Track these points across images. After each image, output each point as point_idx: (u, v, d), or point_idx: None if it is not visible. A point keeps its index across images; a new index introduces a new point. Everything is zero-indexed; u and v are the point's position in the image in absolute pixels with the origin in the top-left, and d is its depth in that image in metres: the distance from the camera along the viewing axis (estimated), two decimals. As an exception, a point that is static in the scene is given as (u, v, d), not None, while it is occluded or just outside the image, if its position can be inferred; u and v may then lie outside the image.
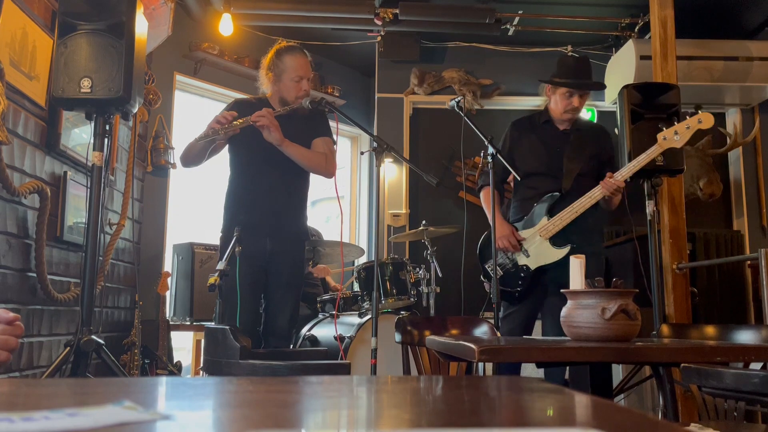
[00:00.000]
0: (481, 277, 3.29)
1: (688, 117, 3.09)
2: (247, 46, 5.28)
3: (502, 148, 3.24)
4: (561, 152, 3.14)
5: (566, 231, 3.05)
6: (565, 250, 3.02)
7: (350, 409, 0.70)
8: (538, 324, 3.40)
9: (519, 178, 3.07)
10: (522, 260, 3.13)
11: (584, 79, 3.16)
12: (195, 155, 2.99)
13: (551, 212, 3.08)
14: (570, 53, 5.53)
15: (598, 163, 3.12)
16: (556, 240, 3.06)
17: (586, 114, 5.60)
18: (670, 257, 3.90)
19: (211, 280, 2.42)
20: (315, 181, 3.21)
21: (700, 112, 3.15)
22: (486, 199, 3.21)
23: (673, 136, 3.04)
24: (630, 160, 3.44)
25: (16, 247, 2.77)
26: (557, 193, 3.08)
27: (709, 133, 5.44)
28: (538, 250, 3.09)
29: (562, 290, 1.72)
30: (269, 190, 3.00)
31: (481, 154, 3.10)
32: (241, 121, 2.87)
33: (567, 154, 3.14)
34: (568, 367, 3.42)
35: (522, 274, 3.11)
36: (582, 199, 3.04)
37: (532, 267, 3.09)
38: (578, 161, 3.13)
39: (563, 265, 2.94)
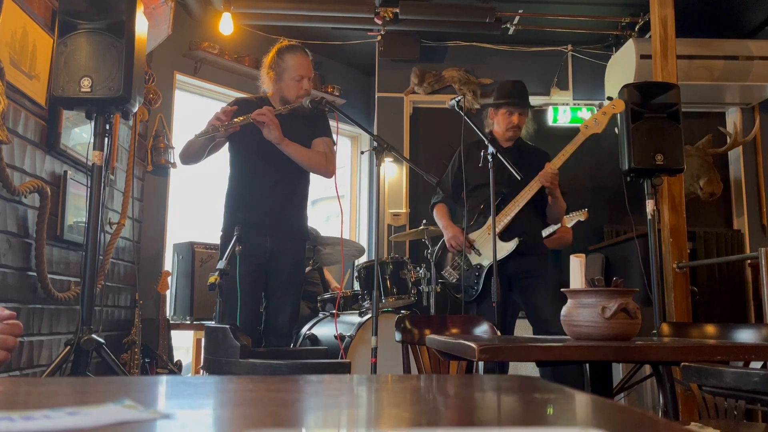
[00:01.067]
0: (438, 281, 3.56)
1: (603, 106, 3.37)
2: (248, 46, 5.28)
3: (451, 166, 3.54)
4: (504, 165, 3.25)
5: (512, 227, 3.25)
6: (514, 243, 3.21)
7: (350, 408, 0.70)
8: (520, 323, 3.49)
9: (519, 177, 3.11)
10: (475, 259, 3.31)
11: (521, 98, 3.44)
12: (194, 153, 2.98)
13: (497, 211, 3.25)
14: (570, 52, 5.53)
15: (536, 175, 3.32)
16: (504, 235, 3.25)
17: (587, 114, 5.60)
18: (671, 256, 3.91)
19: (212, 279, 2.42)
20: (315, 180, 3.21)
21: (613, 99, 3.44)
22: (438, 212, 3.54)
23: (594, 123, 3.30)
24: (630, 159, 3.45)
25: (16, 246, 2.77)
26: (499, 195, 3.26)
27: (709, 131, 5.45)
28: (488, 247, 3.17)
29: (562, 290, 1.72)
30: (269, 189, 3.00)
31: (481, 154, 3.12)
32: (241, 118, 2.87)
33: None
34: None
35: (477, 273, 3.29)
36: (522, 192, 3.25)
37: (485, 264, 3.25)
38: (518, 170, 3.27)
39: (517, 256, 3.22)
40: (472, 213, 3.41)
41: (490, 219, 3.17)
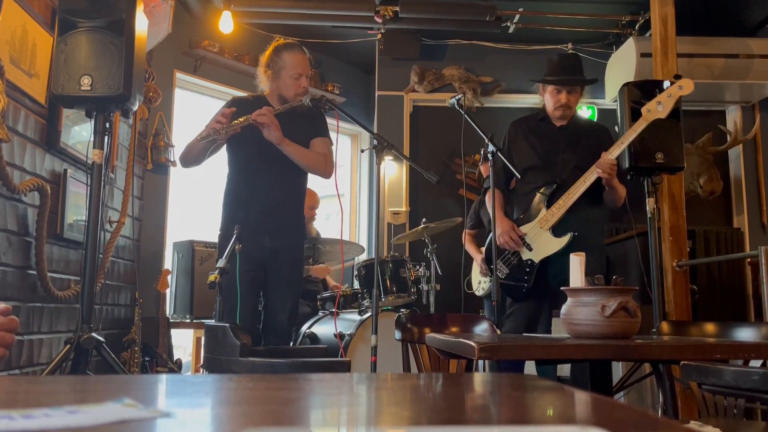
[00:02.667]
0: (487, 277, 3.28)
1: (666, 88, 3.06)
2: (247, 44, 5.28)
3: (503, 145, 3.25)
4: (557, 147, 3.14)
5: (566, 220, 3.02)
6: (566, 238, 2.98)
7: (350, 407, 0.70)
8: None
9: (519, 176, 3.07)
10: (526, 255, 3.09)
11: (571, 75, 3.15)
12: (195, 156, 2.98)
13: (549, 203, 3.06)
14: (570, 50, 5.53)
15: (594, 158, 3.06)
16: (557, 230, 3.03)
17: (586, 112, 5.60)
18: (670, 255, 3.91)
19: (211, 278, 2.42)
20: (314, 178, 3.21)
21: (679, 80, 3.08)
22: (490, 200, 3.18)
23: (656, 107, 2.98)
24: (630, 158, 3.44)
25: (16, 245, 2.77)
26: (554, 184, 3.07)
27: (709, 129, 5.45)
28: (539, 242, 3.06)
29: (561, 288, 1.72)
30: (268, 188, 3.00)
31: (481, 153, 3.09)
32: (241, 120, 2.87)
33: (562, 147, 3.14)
34: (557, 365, 3.43)
35: (528, 269, 3.07)
36: (577, 183, 3.00)
37: (536, 260, 3.06)
38: (574, 153, 3.11)
39: (566, 255, 2.96)
40: (523, 202, 3.17)
41: (543, 211, 3.04)
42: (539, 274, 3.05)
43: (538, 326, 3.09)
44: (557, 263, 2.96)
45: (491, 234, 3.08)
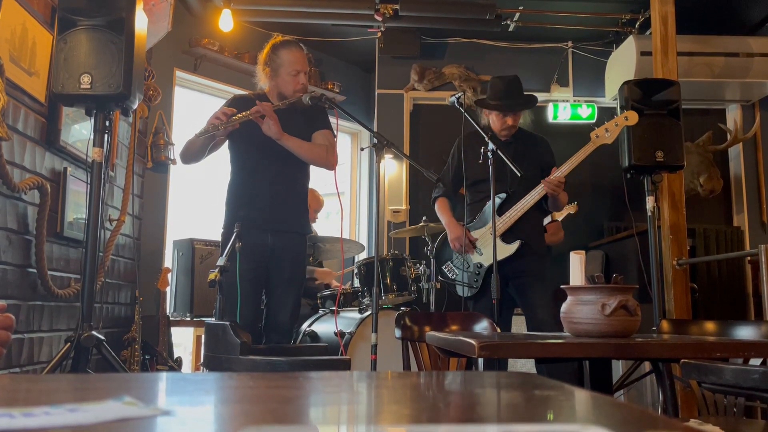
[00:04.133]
0: (438, 277, 3.53)
1: (615, 117, 3.34)
2: (247, 42, 5.27)
3: (450, 158, 3.51)
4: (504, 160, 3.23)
5: (515, 228, 3.25)
6: (515, 245, 3.21)
7: (350, 405, 0.70)
8: (516, 319, 3.50)
9: (519, 174, 3.11)
10: (476, 258, 3.31)
11: (514, 98, 3.35)
12: (195, 152, 2.98)
13: (500, 211, 3.27)
14: (570, 49, 5.53)
15: (539, 169, 3.30)
16: (506, 236, 3.25)
17: (586, 110, 5.59)
18: (670, 253, 3.91)
19: (212, 276, 2.42)
20: (315, 177, 3.21)
21: (626, 111, 3.37)
22: (440, 207, 3.50)
23: (605, 134, 3.24)
24: (630, 156, 3.45)
25: (16, 243, 2.77)
26: (504, 194, 3.26)
27: (710, 128, 5.45)
28: (490, 247, 3.16)
29: (562, 286, 1.72)
30: (269, 184, 3.00)
31: (481, 151, 3.11)
32: (240, 115, 2.86)
33: (509, 160, 3.23)
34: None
35: (477, 272, 3.30)
36: (527, 196, 3.24)
37: (486, 264, 3.25)
38: (519, 164, 3.22)
39: (517, 258, 3.21)
40: (473, 209, 3.39)
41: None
42: (489, 277, 3.18)
43: (534, 313, 3.24)
44: (507, 267, 3.21)
45: (441, 237, 3.45)
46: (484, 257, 3.28)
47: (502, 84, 3.38)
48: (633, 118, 3.29)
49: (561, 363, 2.92)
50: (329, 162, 3.06)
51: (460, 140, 3.45)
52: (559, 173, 3.20)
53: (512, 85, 3.38)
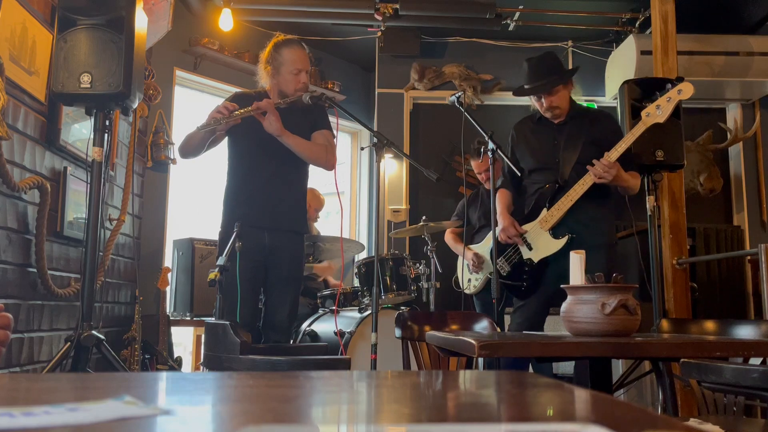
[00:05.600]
0: (489, 273, 3.29)
1: (668, 89, 3.05)
2: (247, 41, 5.27)
3: (507, 150, 3.24)
4: (557, 145, 3.13)
5: (566, 221, 3.02)
6: (563, 241, 2.98)
7: (350, 404, 0.70)
8: (550, 319, 3.38)
9: (518, 174, 3.09)
10: (526, 254, 3.11)
11: (541, 79, 3.10)
12: (195, 146, 2.98)
13: (551, 203, 3.05)
14: (570, 48, 5.53)
15: (597, 148, 3.02)
16: (556, 231, 3.03)
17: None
18: (670, 252, 3.91)
19: (212, 276, 2.42)
20: (315, 175, 3.21)
21: (680, 83, 3.04)
22: (498, 198, 3.21)
23: (656, 111, 2.97)
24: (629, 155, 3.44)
25: (16, 243, 2.77)
26: (555, 184, 3.05)
27: (710, 127, 5.45)
28: (539, 242, 3.07)
29: (561, 285, 1.72)
30: (267, 182, 3.00)
31: (482, 150, 3.10)
32: (242, 111, 2.87)
33: (562, 145, 3.12)
34: (553, 363, 3.41)
35: (526, 268, 3.09)
36: (575, 186, 2.98)
37: (536, 260, 3.07)
38: (574, 150, 3.09)
39: (565, 256, 2.96)
40: (528, 201, 3.17)
41: (544, 211, 3.05)
42: (537, 275, 3.07)
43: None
44: (556, 264, 2.98)
45: (492, 231, 3.08)
46: (534, 252, 3.07)
47: (529, 66, 3.19)
48: (688, 90, 2.96)
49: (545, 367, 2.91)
50: (329, 162, 3.05)
51: (513, 129, 3.27)
52: (608, 158, 2.94)
53: (540, 65, 3.15)
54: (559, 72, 3.14)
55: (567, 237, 2.98)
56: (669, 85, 3.15)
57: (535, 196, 3.13)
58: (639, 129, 2.99)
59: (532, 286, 3.08)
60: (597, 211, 3.07)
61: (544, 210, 3.07)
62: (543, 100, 3.09)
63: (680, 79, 3.15)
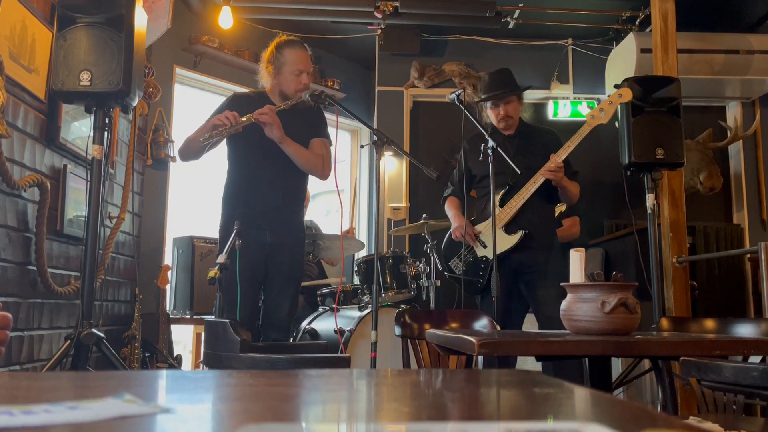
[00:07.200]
0: (445, 273, 3.50)
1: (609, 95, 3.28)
2: (247, 39, 5.27)
3: (458, 162, 3.56)
4: (508, 152, 3.24)
5: (517, 219, 3.22)
6: (518, 236, 3.19)
7: (350, 403, 0.70)
8: (529, 318, 3.46)
9: (519, 171, 3.13)
10: (480, 252, 3.29)
11: (502, 88, 3.37)
12: (194, 152, 3.00)
13: (502, 203, 3.25)
14: (570, 46, 5.53)
15: (543, 158, 3.24)
16: (509, 227, 3.23)
17: (586, 108, 5.59)
18: (670, 251, 3.91)
19: (212, 274, 2.42)
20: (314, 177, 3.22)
21: (620, 89, 3.29)
22: (448, 204, 3.54)
23: (599, 113, 3.18)
24: (630, 154, 3.44)
25: (16, 241, 2.77)
26: (506, 185, 3.25)
27: (710, 125, 5.45)
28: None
29: (561, 284, 1.72)
30: (267, 183, 3.01)
31: (481, 149, 3.12)
32: (244, 119, 2.88)
33: (512, 152, 3.26)
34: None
35: (482, 265, 3.27)
36: (527, 184, 3.20)
37: (490, 257, 3.18)
38: (523, 156, 3.27)
39: (523, 250, 3.18)
40: (479, 205, 3.39)
41: (497, 210, 3.18)
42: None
43: (544, 322, 3.17)
44: (510, 259, 3.20)
45: (448, 235, 3.43)
46: (488, 250, 3.23)
47: (489, 78, 3.45)
48: (627, 95, 3.22)
49: (566, 362, 2.92)
50: (324, 173, 3.12)
51: (464, 142, 3.51)
52: (556, 158, 3.18)
53: (500, 77, 3.42)
54: (514, 86, 3.42)
55: (520, 233, 3.20)
56: (605, 96, 3.47)
57: (486, 198, 3.31)
58: (584, 130, 3.21)
59: (488, 283, 3.21)
60: (545, 213, 3.35)
61: (497, 208, 3.19)
62: (500, 108, 3.36)
63: (620, 85, 3.41)
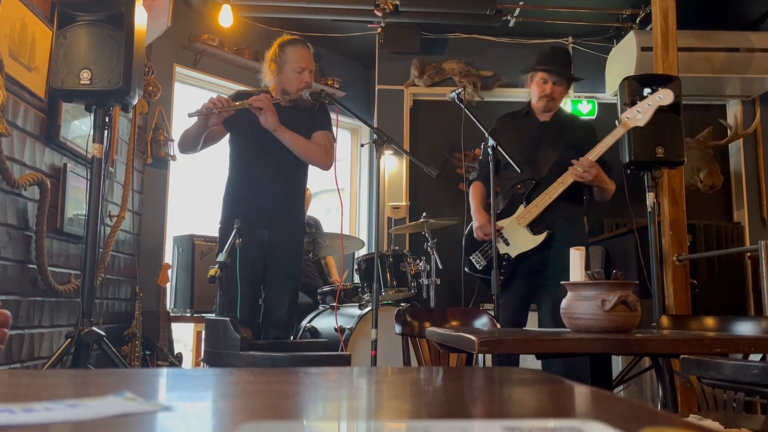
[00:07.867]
0: (465, 268, 3.30)
1: (648, 95, 3.09)
2: (247, 38, 5.27)
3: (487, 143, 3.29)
4: (540, 142, 3.15)
5: (543, 218, 3.06)
6: (542, 236, 3.03)
7: (350, 400, 0.70)
8: (533, 315, 3.41)
9: (519, 170, 3.07)
10: (503, 249, 3.13)
11: (561, 67, 3.18)
12: (191, 140, 2.99)
13: (528, 200, 3.09)
14: (571, 44, 5.53)
15: (576, 154, 3.06)
16: (534, 227, 3.07)
17: (586, 106, 5.59)
18: (670, 249, 3.90)
19: (212, 272, 2.42)
20: (315, 172, 3.21)
21: (660, 89, 3.09)
22: (472, 192, 3.29)
23: (636, 115, 3.01)
24: (630, 152, 3.44)
25: (16, 239, 2.77)
26: (533, 181, 3.09)
27: (710, 123, 5.44)
28: (517, 237, 3.09)
29: (562, 282, 1.72)
30: (267, 181, 3.01)
31: (481, 147, 3.10)
32: (238, 103, 2.88)
33: (544, 143, 3.15)
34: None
35: (504, 263, 3.12)
36: (555, 184, 3.03)
37: (513, 255, 3.10)
38: (554, 149, 3.12)
39: (543, 250, 3.03)
40: (505, 196, 3.21)
41: (521, 208, 3.08)
42: (514, 269, 3.09)
43: (545, 320, 3.10)
44: (532, 259, 3.04)
45: (470, 227, 3.20)
46: (511, 248, 3.10)
47: (549, 49, 3.28)
48: (668, 96, 2.99)
49: (576, 362, 2.90)
50: (327, 162, 3.07)
51: (496, 122, 3.31)
52: (587, 157, 2.99)
53: (563, 54, 3.25)
54: (571, 70, 3.23)
55: (546, 233, 3.03)
56: (648, 90, 3.25)
57: (511, 191, 3.16)
58: (619, 131, 3.05)
59: (508, 280, 3.10)
60: (572, 211, 3.13)
61: (521, 206, 3.09)
62: (549, 84, 3.15)
63: (668, 82, 3.22)
